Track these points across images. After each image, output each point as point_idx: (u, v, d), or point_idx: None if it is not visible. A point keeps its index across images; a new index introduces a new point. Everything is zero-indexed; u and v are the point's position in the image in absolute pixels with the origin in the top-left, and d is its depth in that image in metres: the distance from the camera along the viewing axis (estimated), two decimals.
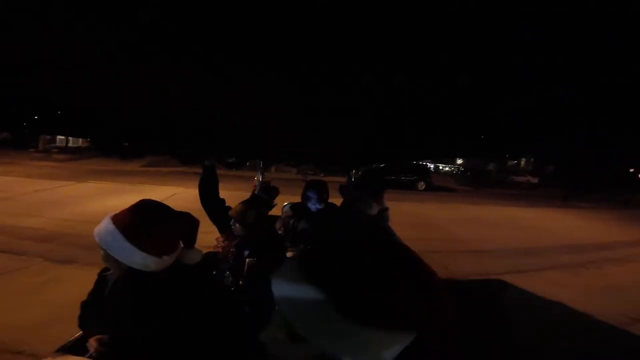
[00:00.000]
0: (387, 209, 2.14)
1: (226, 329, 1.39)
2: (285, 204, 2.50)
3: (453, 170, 29.13)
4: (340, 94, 1.12)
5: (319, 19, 0.60)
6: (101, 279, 1.29)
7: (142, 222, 1.14)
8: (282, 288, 0.50)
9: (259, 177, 3.02)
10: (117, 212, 1.18)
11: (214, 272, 1.96)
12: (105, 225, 1.14)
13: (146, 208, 1.19)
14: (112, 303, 1.20)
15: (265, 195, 2.38)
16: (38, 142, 22.77)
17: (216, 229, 2.22)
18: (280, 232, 2.37)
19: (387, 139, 2.05)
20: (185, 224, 1.25)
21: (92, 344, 1.13)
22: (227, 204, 2.24)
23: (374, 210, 2.03)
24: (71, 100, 1.31)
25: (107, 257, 1.15)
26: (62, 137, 26.60)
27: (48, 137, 24.14)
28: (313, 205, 2.31)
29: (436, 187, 17.25)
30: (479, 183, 20.13)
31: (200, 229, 1.31)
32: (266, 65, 0.86)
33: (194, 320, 1.21)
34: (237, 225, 1.99)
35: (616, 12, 0.51)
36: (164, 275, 1.18)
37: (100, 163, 18.65)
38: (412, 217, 8.99)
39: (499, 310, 1.75)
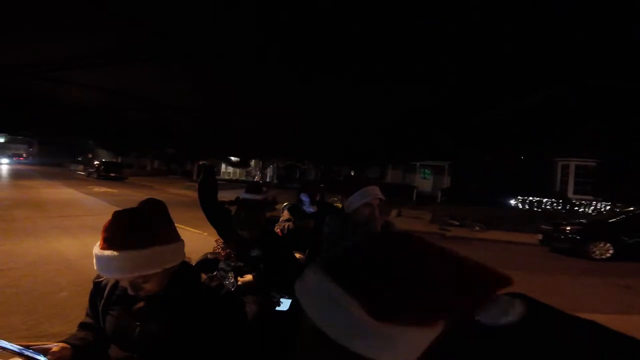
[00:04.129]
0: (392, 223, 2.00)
1: (226, 330, 1.33)
2: (285, 204, 2.55)
3: None
4: (341, 94, 1.14)
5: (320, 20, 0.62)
6: (95, 285, 1.27)
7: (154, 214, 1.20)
8: (308, 294, 0.49)
9: (259, 179, 3.11)
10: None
11: (215, 273, 1.97)
12: None
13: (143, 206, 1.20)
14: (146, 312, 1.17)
15: (261, 197, 2.35)
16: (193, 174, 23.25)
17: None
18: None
19: (389, 139, 2.11)
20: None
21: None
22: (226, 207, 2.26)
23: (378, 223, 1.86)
24: None
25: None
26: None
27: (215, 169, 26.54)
28: (307, 208, 2.45)
29: None
30: None
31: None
32: (267, 66, 0.90)
33: (187, 319, 1.18)
34: (247, 232, 2.01)
35: None
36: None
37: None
38: None
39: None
